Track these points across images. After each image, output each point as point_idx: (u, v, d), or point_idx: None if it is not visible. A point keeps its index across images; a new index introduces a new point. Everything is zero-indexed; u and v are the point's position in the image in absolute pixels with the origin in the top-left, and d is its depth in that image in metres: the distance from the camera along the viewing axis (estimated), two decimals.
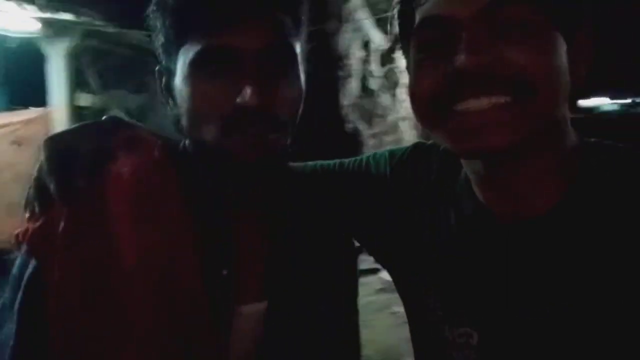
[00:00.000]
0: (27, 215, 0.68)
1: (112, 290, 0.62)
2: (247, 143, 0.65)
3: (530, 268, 0.67)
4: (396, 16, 0.71)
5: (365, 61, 6.59)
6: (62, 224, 0.63)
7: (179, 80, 0.68)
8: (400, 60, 4.72)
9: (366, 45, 6.57)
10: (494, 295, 0.69)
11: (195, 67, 0.65)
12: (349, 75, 6.76)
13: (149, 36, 0.74)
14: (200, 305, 0.64)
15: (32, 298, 0.63)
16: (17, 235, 0.67)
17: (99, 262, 0.62)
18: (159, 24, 0.69)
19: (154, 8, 0.69)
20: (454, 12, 0.61)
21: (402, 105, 6.13)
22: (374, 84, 6.56)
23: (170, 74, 0.71)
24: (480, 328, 0.70)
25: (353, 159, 0.91)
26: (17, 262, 0.67)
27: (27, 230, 0.65)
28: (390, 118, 6.46)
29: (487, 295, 0.69)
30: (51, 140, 0.70)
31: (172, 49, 0.68)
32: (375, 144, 6.35)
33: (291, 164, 0.88)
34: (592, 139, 0.70)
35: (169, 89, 0.72)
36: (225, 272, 0.68)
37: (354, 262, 0.86)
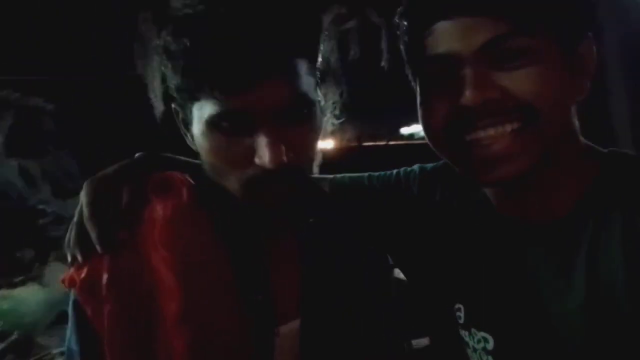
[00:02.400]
0: (69, 259, 0.67)
1: (158, 339, 0.63)
2: (268, 196, 0.64)
3: (545, 272, 0.66)
4: (402, 44, 0.71)
5: None
6: (105, 276, 0.63)
7: (196, 132, 0.66)
8: None
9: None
10: (509, 299, 0.69)
11: (211, 127, 0.62)
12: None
13: None
14: (243, 334, 0.64)
15: (87, 343, 0.65)
16: (63, 281, 0.67)
17: (143, 314, 0.63)
18: (169, 71, 0.65)
19: (164, 56, 0.64)
20: (455, 49, 0.62)
21: None
22: None
23: (186, 116, 0.68)
24: (496, 332, 0.70)
25: (384, 172, 0.91)
26: (70, 306, 0.68)
27: (72, 278, 0.66)
28: None
29: (504, 299, 0.70)
30: (92, 182, 0.68)
31: (186, 99, 0.65)
32: None
33: (317, 176, 0.90)
34: (607, 148, 0.69)
35: (186, 126, 0.69)
36: (260, 296, 0.68)
37: (388, 271, 0.84)
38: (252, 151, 0.62)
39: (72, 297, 0.68)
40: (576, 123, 0.68)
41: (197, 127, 0.66)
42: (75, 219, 0.67)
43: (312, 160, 0.69)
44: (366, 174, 0.92)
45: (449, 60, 0.64)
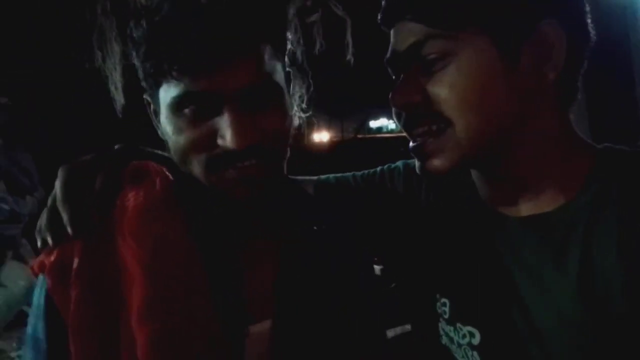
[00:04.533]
0: (40, 244, 0.67)
1: (122, 332, 0.61)
2: (233, 179, 0.64)
3: (536, 266, 0.66)
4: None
5: None
6: (76, 260, 0.62)
7: (162, 117, 0.66)
8: None
9: None
10: (498, 293, 0.69)
11: (175, 110, 0.62)
12: None
13: None
14: (211, 332, 0.62)
15: (55, 331, 0.63)
16: (32, 268, 0.66)
17: (109, 304, 0.61)
18: (135, 60, 0.66)
19: (130, 46, 0.65)
20: (391, 56, 0.70)
21: None
22: None
23: (156, 105, 0.68)
24: (483, 326, 0.69)
25: (367, 170, 0.93)
26: (36, 292, 0.67)
27: (42, 262, 0.64)
28: None
29: (493, 292, 0.69)
30: (67, 167, 0.68)
31: (151, 85, 0.66)
32: None
33: (299, 178, 0.89)
34: (605, 144, 0.69)
35: (157, 117, 0.70)
36: (231, 295, 0.67)
37: (371, 270, 0.82)
38: (215, 134, 0.62)
39: (40, 283, 0.66)
40: (554, 116, 0.67)
41: (163, 114, 0.66)
42: (49, 203, 0.67)
43: (282, 150, 0.68)
44: (350, 174, 0.93)
45: (390, 65, 0.72)
